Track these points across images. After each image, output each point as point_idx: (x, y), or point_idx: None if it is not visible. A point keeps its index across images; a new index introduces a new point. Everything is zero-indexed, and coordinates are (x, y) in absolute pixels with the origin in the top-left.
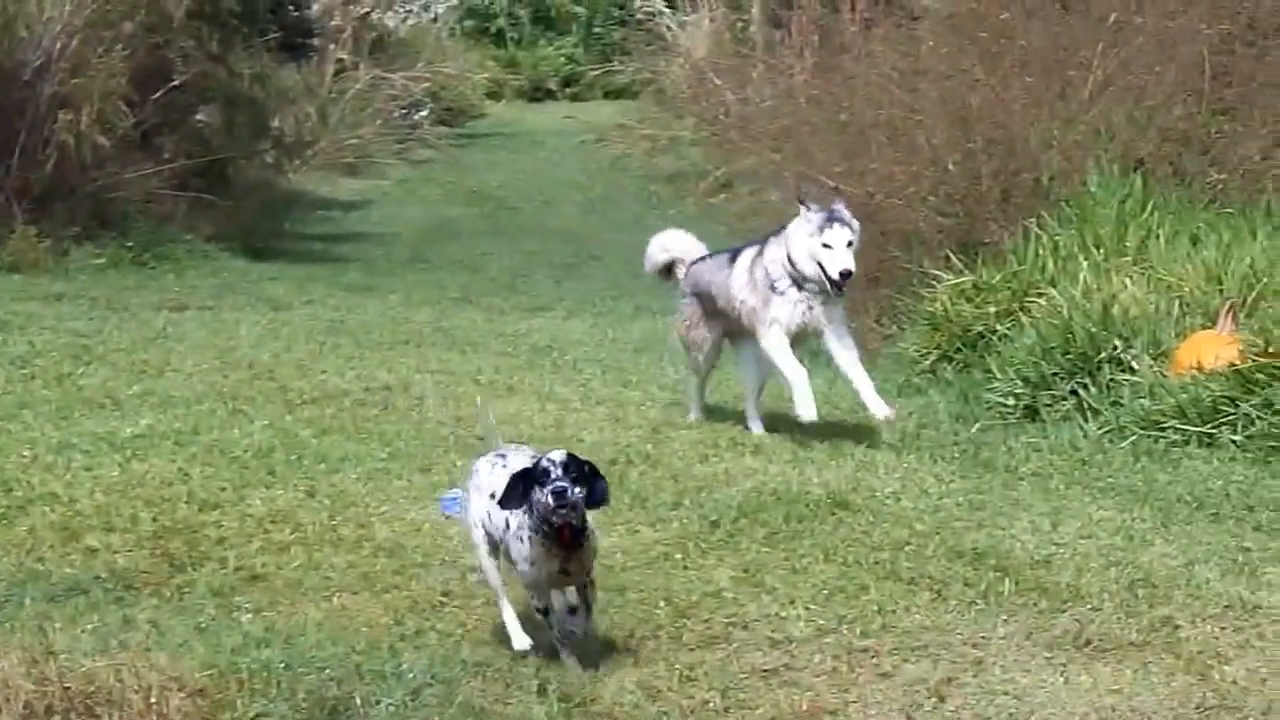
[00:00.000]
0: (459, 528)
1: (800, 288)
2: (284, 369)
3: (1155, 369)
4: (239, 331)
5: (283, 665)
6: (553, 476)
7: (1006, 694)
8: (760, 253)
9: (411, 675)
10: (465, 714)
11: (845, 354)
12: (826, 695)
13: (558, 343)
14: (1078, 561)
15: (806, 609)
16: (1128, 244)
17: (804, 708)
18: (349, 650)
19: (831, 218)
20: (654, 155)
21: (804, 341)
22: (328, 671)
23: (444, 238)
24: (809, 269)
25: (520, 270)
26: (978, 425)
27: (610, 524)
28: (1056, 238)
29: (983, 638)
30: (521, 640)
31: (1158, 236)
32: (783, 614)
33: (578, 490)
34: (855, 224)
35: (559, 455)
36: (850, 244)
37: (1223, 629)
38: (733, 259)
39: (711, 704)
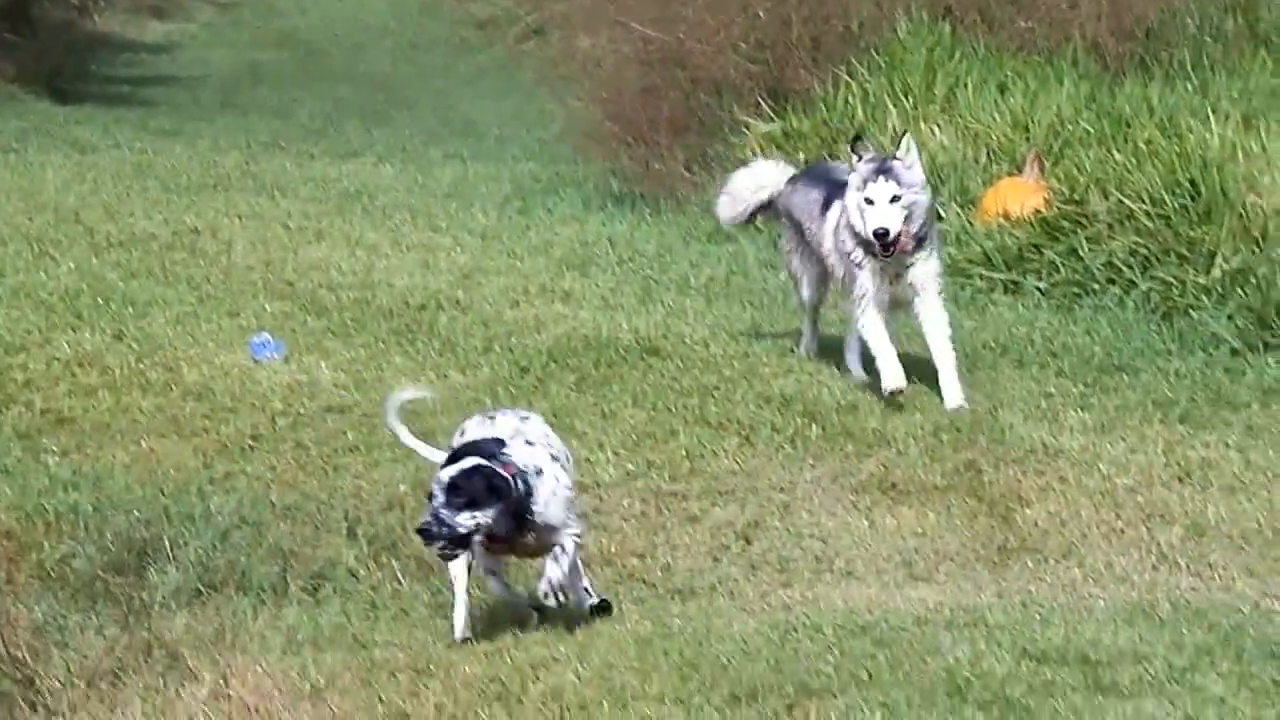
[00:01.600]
0: (266, 372)
1: (878, 254)
2: (91, 212)
3: (962, 216)
4: (45, 174)
5: (90, 507)
6: (434, 502)
7: (812, 537)
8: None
9: (220, 518)
10: (274, 556)
11: (934, 328)
12: (635, 539)
13: (368, 188)
14: (884, 407)
15: (616, 454)
16: (936, 92)
17: (613, 550)
18: (157, 493)
19: (879, 170)
20: (465, 0)
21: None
22: (136, 514)
23: (253, 82)
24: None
25: (330, 116)
26: (784, 272)
27: (420, 370)
28: (866, 85)
29: (790, 482)
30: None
31: (966, 84)
32: (592, 459)
33: (468, 517)
34: (909, 176)
35: (448, 474)
36: (895, 199)
37: (1025, 473)
38: (825, 204)
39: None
